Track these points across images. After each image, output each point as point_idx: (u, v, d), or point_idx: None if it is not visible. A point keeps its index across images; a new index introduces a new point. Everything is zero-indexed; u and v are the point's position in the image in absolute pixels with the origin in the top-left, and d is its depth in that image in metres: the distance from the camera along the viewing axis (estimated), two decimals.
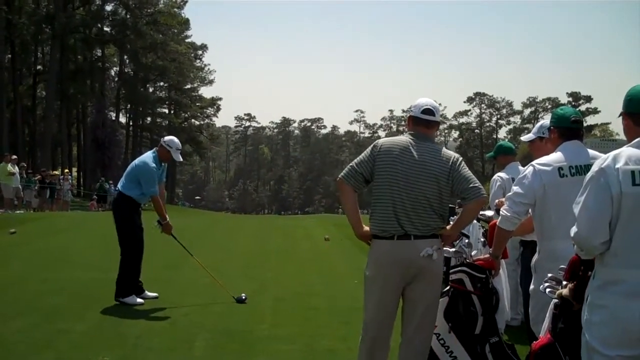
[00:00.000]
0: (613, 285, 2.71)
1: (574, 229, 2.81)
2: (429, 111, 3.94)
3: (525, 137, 5.12)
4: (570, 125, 4.04)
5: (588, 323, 2.80)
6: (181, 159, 7.29)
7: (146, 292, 7.25)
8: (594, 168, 2.79)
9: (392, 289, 3.87)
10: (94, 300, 7.10)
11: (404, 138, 3.95)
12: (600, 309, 2.74)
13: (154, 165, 6.98)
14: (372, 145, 3.97)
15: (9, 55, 44.88)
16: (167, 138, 7.30)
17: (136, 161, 7.19)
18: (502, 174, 6.38)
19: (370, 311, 3.94)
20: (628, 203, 2.68)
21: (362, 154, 3.96)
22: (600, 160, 2.79)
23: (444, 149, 3.97)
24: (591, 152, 4.02)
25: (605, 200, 2.70)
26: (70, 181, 28.32)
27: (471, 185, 3.80)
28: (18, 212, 20.47)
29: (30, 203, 23.11)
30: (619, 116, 2.90)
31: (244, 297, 7.17)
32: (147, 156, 7.11)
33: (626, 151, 2.75)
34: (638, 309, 2.63)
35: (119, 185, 7.24)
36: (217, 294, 7.35)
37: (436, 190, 3.80)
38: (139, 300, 6.92)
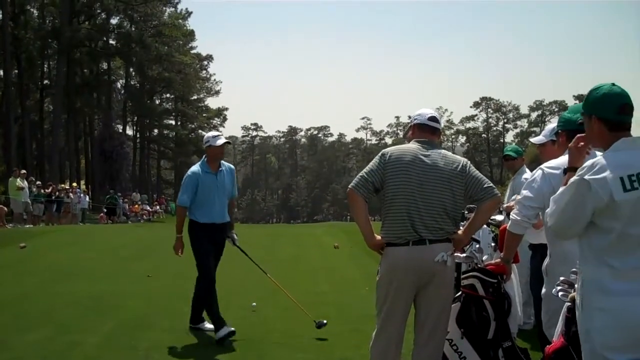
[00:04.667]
0: None
1: None
2: (434, 119, 4.14)
3: (536, 140, 5.04)
4: (577, 128, 4.02)
5: None
6: (223, 141, 6.49)
7: (205, 323, 6.65)
8: None
9: (405, 295, 3.88)
10: (105, 313, 7.15)
11: (412, 145, 4.01)
12: None
13: (196, 170, 6.45)
14: (380, 154, 4.01)
15: (16, 71, 45.17)
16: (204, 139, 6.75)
17: None
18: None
19: (382, 317, 3.94)
20: None
21: (371, 163, 3.98)
22: None
23: (450, 153, 4.05)
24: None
25: None
26: (79, 194, 28.31)
27: (485, 186, 3.90)
28: (27, 226, 20.58)
29: (39, 217, 23.21)
30: None
31: (325, 323, 6.51)
32: (194, 165, 6.69)
33: None
34: None
35: None
36: (228, 304, 7.35)
37: (450, 194, 3.85)
38: (208, 326, 6.45)
